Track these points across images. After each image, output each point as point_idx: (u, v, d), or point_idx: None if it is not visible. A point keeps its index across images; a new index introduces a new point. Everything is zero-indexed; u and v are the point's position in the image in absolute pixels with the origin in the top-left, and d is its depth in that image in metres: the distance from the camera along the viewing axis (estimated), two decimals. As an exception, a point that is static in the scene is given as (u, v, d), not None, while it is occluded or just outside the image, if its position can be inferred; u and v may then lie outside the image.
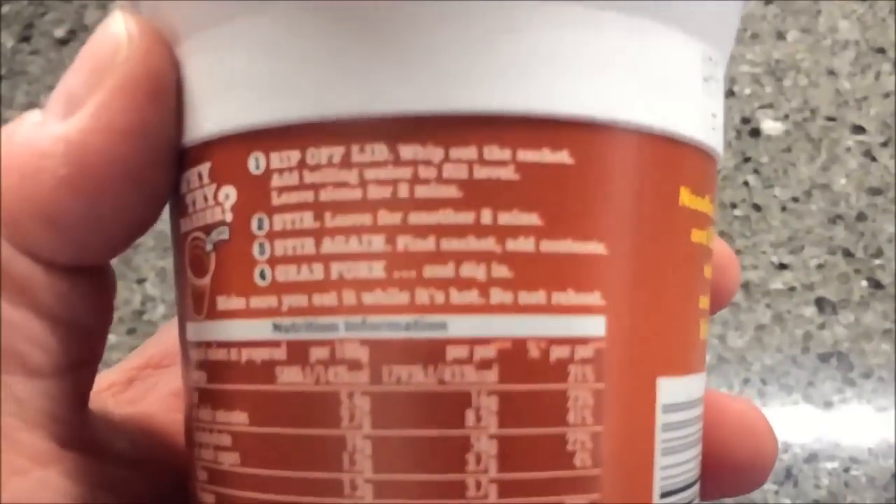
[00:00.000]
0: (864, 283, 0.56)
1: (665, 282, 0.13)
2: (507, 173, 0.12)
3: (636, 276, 0.13)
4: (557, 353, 0.13)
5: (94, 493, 0.15)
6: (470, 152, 0.12)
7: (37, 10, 0.71)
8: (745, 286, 0.56)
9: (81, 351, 0.15)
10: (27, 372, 0.14)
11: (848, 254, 0.57)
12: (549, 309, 0.13)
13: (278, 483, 0.13)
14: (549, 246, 0.13)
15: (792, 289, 0.56)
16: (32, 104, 0.64)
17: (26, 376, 0.14)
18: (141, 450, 0.16)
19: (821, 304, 0.55)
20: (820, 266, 0.57)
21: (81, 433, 0.15)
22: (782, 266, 0.57)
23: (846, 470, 0.50)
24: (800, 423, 0.52)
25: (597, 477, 0.13)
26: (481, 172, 0.12)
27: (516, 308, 0.12)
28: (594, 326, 0.13)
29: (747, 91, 0.63)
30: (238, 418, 0.13)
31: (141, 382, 0.18)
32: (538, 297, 0.12)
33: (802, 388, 0.53)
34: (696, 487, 0.15)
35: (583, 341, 0.13)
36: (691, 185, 0.14)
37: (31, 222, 0.14)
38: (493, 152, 0.12)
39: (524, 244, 0.12)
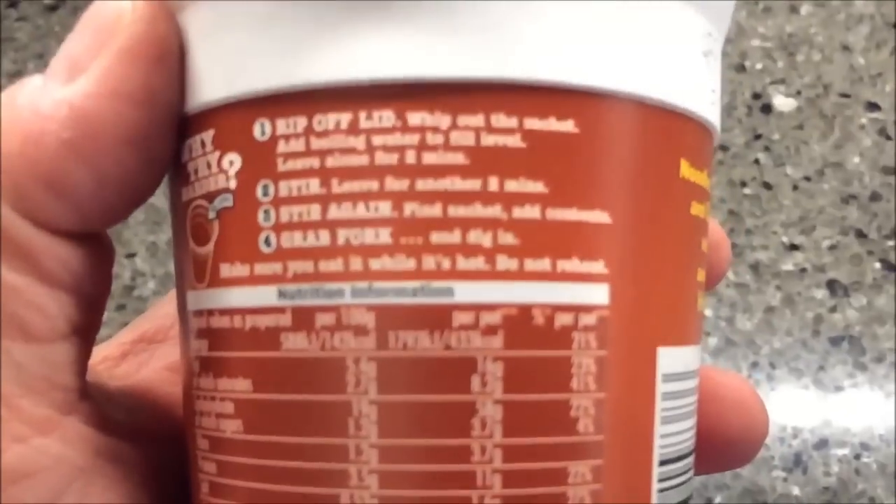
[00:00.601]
0: (878, 264, 0.56)
1: (666, 252, 0.14)
2: (514, 141, 0.13)
3: (639, 245, 0.13)
4: (562, 319, 0.13)
5: (94, 461, 0.15)
6: (477, 119, 0.12)
7: (27, -22, 0.70)
8: (755, 267, 0.56)
9: (81, 318, 0.15)
10: (27, 337, 0.14)
11: (861, 234, 0.57)
12: (554, 276, 0.13)
13: (282, 449, 0.13)
14: (554, 214, 0.13)
15: (803, 270, 0.56)
16: (19, 72, 0.63)
17: (26, 341, 0.14)
18: (138, 421, 0.16)
19: (832, 286, 0.55)
20: (832, 247, 0.56)
21: (80, 401, 0.15)
22: (793, 247, 0.57)
23: (857, 457, 0.50)
24: (809, 409, 0.52)
25: (599, 443, 0.13)
26: (488, 140, 0.12)
27: (522, 275, 0.13)
28: (598, 294, 0.13)
29: (759, 66, 0.63)
30: (241, 385, 0.13)
31: (134, 357, 0.18)
32: (543, 264, 0.13)
33: (813, 372, 0.53)
34: (692, 458, 0.15)
35: (587, 309, 0.13)
36: (691, 158, 0.14)
37: (34, 186, 0.14)
38: (501, 120, 0.12)
39: (530, 212, 0.13)
